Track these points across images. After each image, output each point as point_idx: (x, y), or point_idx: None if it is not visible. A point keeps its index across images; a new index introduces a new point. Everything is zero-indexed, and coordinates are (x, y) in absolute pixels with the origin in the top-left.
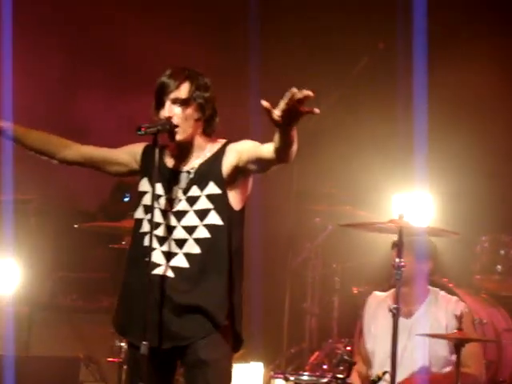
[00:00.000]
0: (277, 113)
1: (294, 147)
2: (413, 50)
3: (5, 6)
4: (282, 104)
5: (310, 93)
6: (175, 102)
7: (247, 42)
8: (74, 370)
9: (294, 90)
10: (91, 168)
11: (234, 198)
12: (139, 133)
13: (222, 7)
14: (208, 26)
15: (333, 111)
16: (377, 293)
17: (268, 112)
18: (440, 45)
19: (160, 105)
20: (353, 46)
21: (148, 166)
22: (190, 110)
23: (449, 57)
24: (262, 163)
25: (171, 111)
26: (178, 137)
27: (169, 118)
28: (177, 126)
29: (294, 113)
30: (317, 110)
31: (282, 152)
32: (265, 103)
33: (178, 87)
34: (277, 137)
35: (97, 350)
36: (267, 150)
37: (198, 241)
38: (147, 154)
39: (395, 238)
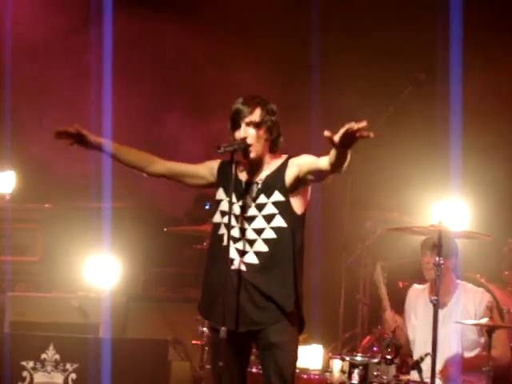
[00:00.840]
0: (336, 138)
1: (347, 163)
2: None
3: (106, 51)
4: (341, 132)
5: (364, 124)
6: (249, 124)
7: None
8: (163, 351)
9: (352, 123)
10: (174, 180)
11: (296, 204)
12: (219, 151)
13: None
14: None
15: (382, 131)
16: (416, 285)
17: (329, 139)
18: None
19: (235, 127)
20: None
21: (223, 179)
22: (261, 132)
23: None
24: (318, 174)
25: (246, 132)
26: (252, 155)
27: (244, 139)
28: (250, 145)
29: (350, 138)
30: (371, 135)
31: (337, 166)
32: (327, 133)
33: (251, 112)
34: (333, 154)
35: (183, 334)
36: (323, 163)
37: (265, 241)
38: (223, 168)
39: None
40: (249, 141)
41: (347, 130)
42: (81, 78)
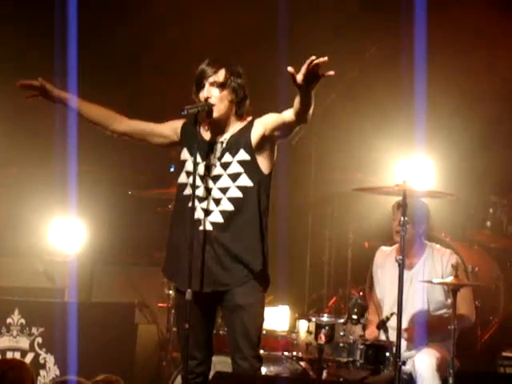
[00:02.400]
0: (299, 76)
1: (311, 109)
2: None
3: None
4: (304, 68)
5: (325, 59)
6: (213, 84)
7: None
8: (129, 314)
9: (313, 57)
10: (137, 139)
11: (263, 164)
12: (182, 113)
13: None
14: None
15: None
16: (383, 247)
17: (292, 76)
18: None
19: (200, 88)
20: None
21: (187, 139)
22: (225, 93)
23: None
24: (284, 128)
25: (209, 92)
26: (215, 114)
27: (207, 99)
28: (213, 105)
29: (313, 76)
30: (331, 72)
31: (302, 113)
32: (290, 68)
33: (215, 72)
34: (297, 100)
35: (149, 297)
36: (287, 114)
37: (231, 199)
38: (186, 128)
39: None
40: (212, 100)
41: (309, 65)
42: None
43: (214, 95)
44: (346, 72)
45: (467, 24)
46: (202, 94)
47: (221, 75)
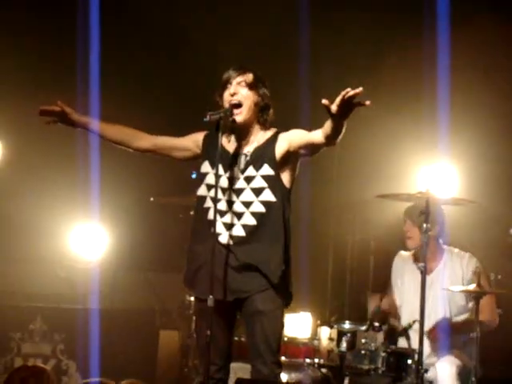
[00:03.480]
0: (334, 107)
1: (342, 134)
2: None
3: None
4: (338, 99)
5: (360, 90)
6: (240, 83)
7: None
8: (151, 320)
9: (348, 88)
10: (160, 155)
11: (286, 178)
12: (205, 119)
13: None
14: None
15: (368, 98)
16: (402, 252)
17: (327, 108)
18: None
19: (225, 89)
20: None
21: (209, 150)
22: (252, 93)
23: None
24: (311, 147)
25: (236, 89)
26: (239, 118)
27: (233, 94)
28: (239, 106)
29: (347, 106)
30: (367, 103)
31: (332, 137)
32: (324, 101)
33: (244, 74)
34: (330, 125)
35: (170, 303)
36: (317, 136)
37: (253, 214)
38: (208, 140)
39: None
40: (238, 97)
41: (344, 97)
42: None
43: (241, 93)
44: (366, 79)
45: (492, 34)
46: (228, 92)
47: (249, 76)
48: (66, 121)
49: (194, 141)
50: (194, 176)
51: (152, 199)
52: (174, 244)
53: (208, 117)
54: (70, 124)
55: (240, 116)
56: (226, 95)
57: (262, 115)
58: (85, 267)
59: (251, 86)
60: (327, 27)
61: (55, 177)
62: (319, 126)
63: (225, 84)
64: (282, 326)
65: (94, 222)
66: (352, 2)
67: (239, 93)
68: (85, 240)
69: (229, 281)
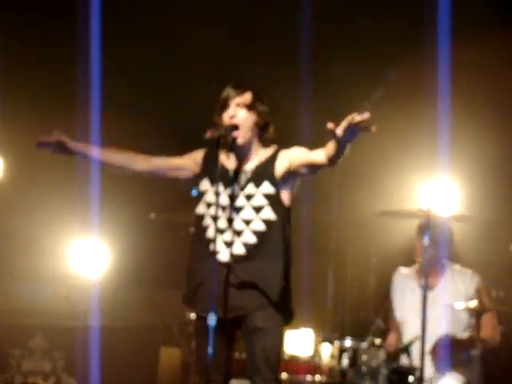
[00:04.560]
0: (339, 131)
1: (345, 155)
2: (437, 40)
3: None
4: (344, 124)
5: (367, 116)
6: (239, 105)
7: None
8: (152, 338)
9: (355, 114)
10: (160, 177)
11: (285, 196)
12: (205, 137)
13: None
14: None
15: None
16: (402, 269)
17: (332, 132)
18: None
19: (224, 109)
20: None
21: (208, 168)
22: (251, 114)
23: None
24: (312, 167)
25: (235, 112)
26: (239, 140)
27: (232, 117)
28: (238, 128)
29: (353, 131)
30: (373, 129)
31: (335, 159)
32: (330, 125)
33: (242, 94)
34: (333, 147)
35: (171, 320)
36: (319, 156)
37: (254, 232)
38: (208, 158)
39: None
40: (236, 121)
41: (350, 122)
42: None
43: (240, 115)
44: (368, 95)
45: (494, 50)
46: (227, 114)
47: (247, 97)
48: (63, 150)
49: (193, 159)
50: (194, 193)
51: (152, 216)
52: (175, 261)
53: (208, 134)
54: (66, 153)
55: (240, 138)
56: (225, 116)
57: (262, 133)
58: (85, 284)
59: (250, 107)
60: (329, 42)
61: (56, 193)
62: (319, 137)
63: (223, 104)
64: (281, 343)
65: (95, 238)
66: (352, 16)
67: (238, 115)
68: (85, 257)
69: (228, 298)
